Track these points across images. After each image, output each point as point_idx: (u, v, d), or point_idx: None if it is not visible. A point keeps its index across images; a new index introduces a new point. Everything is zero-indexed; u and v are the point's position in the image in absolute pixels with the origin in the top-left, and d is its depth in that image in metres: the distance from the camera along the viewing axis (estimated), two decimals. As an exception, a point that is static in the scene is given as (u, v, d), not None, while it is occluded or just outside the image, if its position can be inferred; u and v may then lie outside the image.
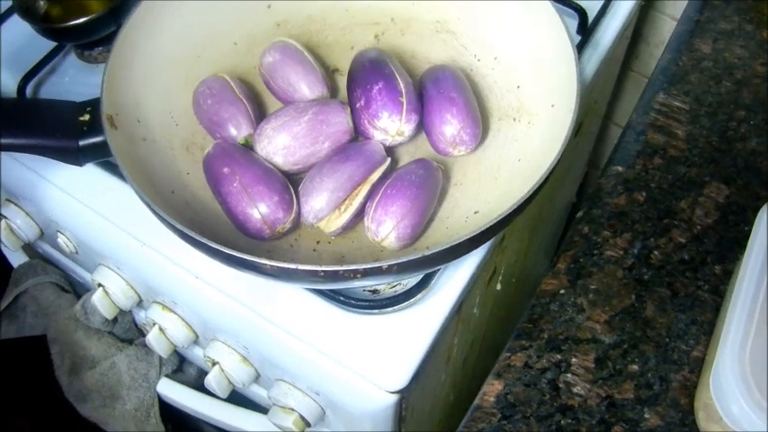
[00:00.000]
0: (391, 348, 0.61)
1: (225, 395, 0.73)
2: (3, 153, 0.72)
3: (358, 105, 0.64)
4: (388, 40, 0.73)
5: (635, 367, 0.60)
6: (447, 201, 0.64)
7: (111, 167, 0.70)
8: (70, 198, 0.70)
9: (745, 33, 0.80)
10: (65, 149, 0.62)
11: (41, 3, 0.76)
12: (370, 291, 0.64)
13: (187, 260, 0.65)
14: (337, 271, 0.51)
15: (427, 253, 0.51)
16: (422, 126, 0.65)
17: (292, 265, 0.51)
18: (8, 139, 0.61)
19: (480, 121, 0.64)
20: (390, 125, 0.63)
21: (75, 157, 0.63)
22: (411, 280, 0.62)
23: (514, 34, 0.68)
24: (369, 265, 0.51)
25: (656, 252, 0.65)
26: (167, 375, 0.81)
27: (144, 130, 0.63)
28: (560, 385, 0.59)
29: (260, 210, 0.59)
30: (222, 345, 0.69)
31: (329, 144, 0.63)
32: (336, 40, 0.74)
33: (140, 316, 0.81)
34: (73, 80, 0.78)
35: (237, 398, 0.77)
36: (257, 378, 0.71)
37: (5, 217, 0.78)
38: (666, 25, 1.02)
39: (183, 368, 0.84)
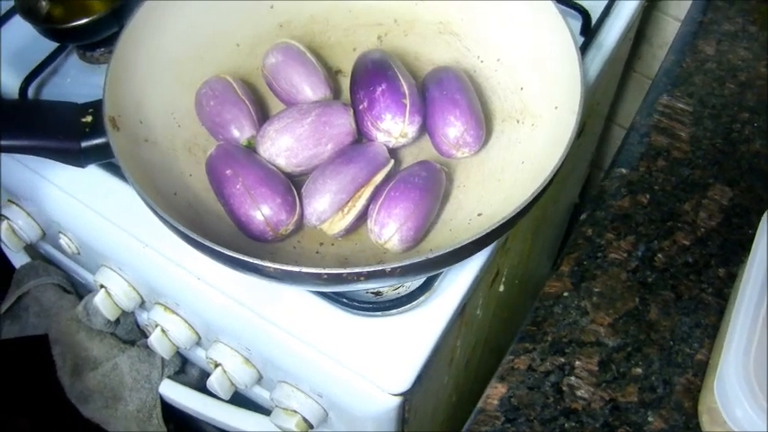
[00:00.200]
0: (394, 351, 0.61)
1: (227, 397, 0.73)
2: (4, 154, 0.72)
3: (361, 107, 0.64)
4: (390, 42, 0.73)
5: (639, 370, 0.60)
6: (450, 203, 0.64)
7: (113, 168, 0.70)
8: (72, 199, 0.70)
9: (748, 35, 0.80)
10: (67, 151, 0.62)
11: (43, 3, 0.76)
12: (373, 293, 0.64)
13: (190, 262, 0.65)
14: (341, 274, 0.51)
15: (431, 256, 0.51)
16: (425, 128, 0.65)
17: (296, 268, 0.51)
18: (10, 140, 0.61)
19: (483, 123, 0.64)
20: (393, 127, 0.62)
21: (77, 158, 0.63)
22: (414, 282, 0.62)
23: (518, 36, 0.68)
24: (372, 268, 0.51)
25: (659, 255, 0.65)
26: (169, 377, 0.81)
27: (146, 132, 0.63)
28: (564, 388, 0.59)
29: (263, 212, 0.58)
30: (225, 346, 0.69)
31: (332, 146, 0.63)
32: (339, 42, 0.74)
33: (142, 317, 0.81)
34: (75, 81, 0.78)
35: (240, 399, 0.77)
36: (260, 380, 0.71)
37: (7, 218, 0.78)
38: (669, 26, 1.02)
39: (186, 369, 0.84)
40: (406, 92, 0.63)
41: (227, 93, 0.65)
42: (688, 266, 0.65)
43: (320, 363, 0.62)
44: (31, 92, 0.75)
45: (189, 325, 0.71)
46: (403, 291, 0.63)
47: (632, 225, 0.67)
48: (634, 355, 0.60)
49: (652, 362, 0.60)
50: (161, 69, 0.66)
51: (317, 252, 0.61)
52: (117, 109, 0.60)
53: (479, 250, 0.56)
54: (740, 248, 0.65)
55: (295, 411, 0.67)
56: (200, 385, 0.82)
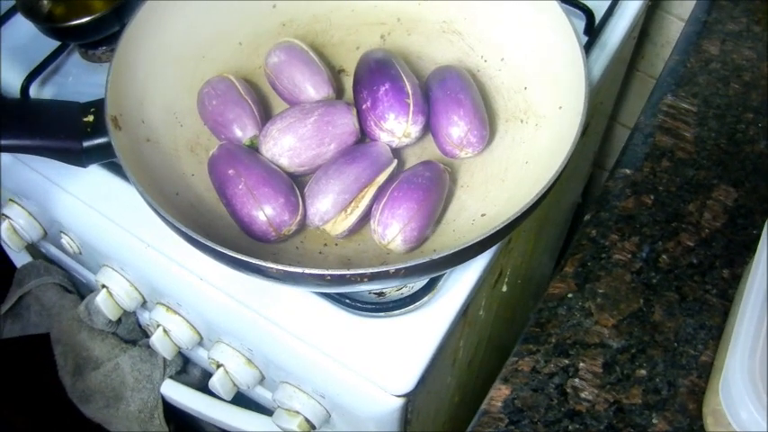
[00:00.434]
0: (397, 352, 0.61)
1: (229, 397, 0.72)
2: (6, 154, 0.72)
3: (364, 107, 0.63)
4: (394, 41, 0.73)
5: (643, 372, 0.59)
6: (454, 203, 0.64)
7: (115, 168, 0.69)
8: (74, 199, 0.70)
9: (753, 35, 0.80)
10: (68, 151, 0.62)
11: (45, 2, 0.76)
12: (376, 293, 0.63)
13: (192, 262, 0.65)
14: (344, 275, 0.50)
15: (435, 257, 0.51)
16: (428, 128, 0.64)
17: (299, 269, 0.50)
18: (11, 140, 0.61)
19: (487, 123, 0.64)
20: (397, 127, 0.62)
21: (79, 158, 0.63)
22: (417, 283, 0.62)
23: (521, 35, 0.67)
24: (376, 269, 0.50)
25: (664, 256, 0.65)
26: (171, 377, 0.81)
27: (148, 131, 0.63)
28: (568, 390, 0.58)
29: (265, 212, 0.58)
30: (227, 347, 0.69)
31: (335, 146, 0.63)
32: (342, 41, 0.73)
33: (144, 317, 0.81)
34: (76, 80, 0.77)
35: (242, 399, 0.77)
36: (262, 380, 0.71)
37: (8, 217, 0.77)
38: (673, 25, 1.02)
39: (187, 369, 0.83)
40: (410, 91, 0.62)
41: (230, 92, 0.65)
42: (692, 267, 0.64)
43: (323, 363, 0.62)
44: (32, 91, 0.75)
45: (191, 325, 0.71)
46: (406, 291, 0.62)
47: (636, 226, 0.67)
48: (638, 357, 0.60)
49: (656, 363, 0.60)
50: (163, 68, 0.66)
51: (320, 253, 0.61)
52: (119, 108, 0.60)
53: (484, 251, 0.56)
54: (745, 249, 0.65)
55: (297, 412, 0.66)
56: (202, 385, 0.81)
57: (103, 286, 0.73)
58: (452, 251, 0.51)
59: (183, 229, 0.53)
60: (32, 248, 0.89)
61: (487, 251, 0.63)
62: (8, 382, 1.01)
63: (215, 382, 0.70)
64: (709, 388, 0.58)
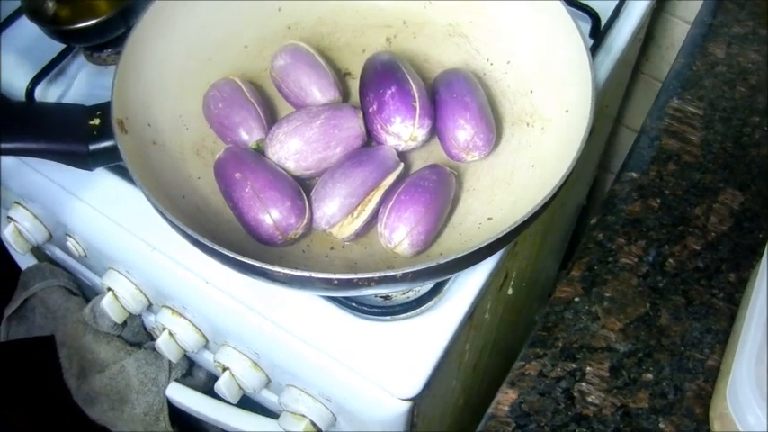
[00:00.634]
0: (403, 355, 0.61)
1: (235, 400, 0.72)
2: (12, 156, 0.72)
3: (370, 110, 0.63)
4: (400, 44, 0.73)
5: (649, 376, 0.59)
6: (460, 207, 0.64)
7: (121, 171, 0.69)
8: (80, 202, 0.70)
9: (759, 38, 0.80)
10: (74, 154, 0.62)
11: (50, 4, 0.76)
12: (382, 297, 0.63)
13: (197, 265, 0.65)
14: (351, 279, 0.50)
15: (442, 261, 0.51)
16: (435, 131, 0.64)
17: (306, 273, 0.50)
18: (17, 143, 0.61)
19: (494, 127, 0.64)
20: (403, 130, 0.62)
21: (85, 161, 0.62)
22: (424, 286, 0.62)
23: (528, 38, 0.67)
24: (383, 273, 0.50)
25: (670, 260, 0.65)
26: (177, 379, 0.81)
27: (154, 134, 0.63)
28: (575, 394, 0.58)
29: (272, 215, 0.58)
30: (233, 350, 0.69)
31: (341, 149, 0.62)
32: (348, 43, 0.73)
33: (150, 320, 0.81)
34: (82, 82, 0.77)
35: (248, 403, 0.76)
36: (268, 383, 0.71)
37: (14, 220, 0.77)
38: (677, 28, 1.02)
39: (193, 372, 0.83)
40: (416, 95, 0.62)
41: (236, 95, 0.65)
42: (699, 271, 0.64)
43: (329, 367, 0.61)
44: (38, 94, 0.75)
45: (196, 328, 0.71)
46: (412, 295, 0.62)
47: (643, 230, 0.66)
48: (645, 361, 0.60)
49: (663, 367, 0.60)
50: (169, 71, 0.66)
51: (327, 256, 0.61)
52: (125, 111, 0.60)
53: (491, 255, 0.56)
54: (751, 253, 0.65)
55: (303, 415, 0.66)
56: (208, 388, 0.81)
57: (109, 289, 0.73)
58: (459, 255, 0.51)
59: (190, 232, 0.53)
60: (37, 251, 0.89)
61: (494, 254, 0.63)
62: (13, 384, 1.01)
63: (221, 385, 0.70)
64: (716, 392, 0.58)
